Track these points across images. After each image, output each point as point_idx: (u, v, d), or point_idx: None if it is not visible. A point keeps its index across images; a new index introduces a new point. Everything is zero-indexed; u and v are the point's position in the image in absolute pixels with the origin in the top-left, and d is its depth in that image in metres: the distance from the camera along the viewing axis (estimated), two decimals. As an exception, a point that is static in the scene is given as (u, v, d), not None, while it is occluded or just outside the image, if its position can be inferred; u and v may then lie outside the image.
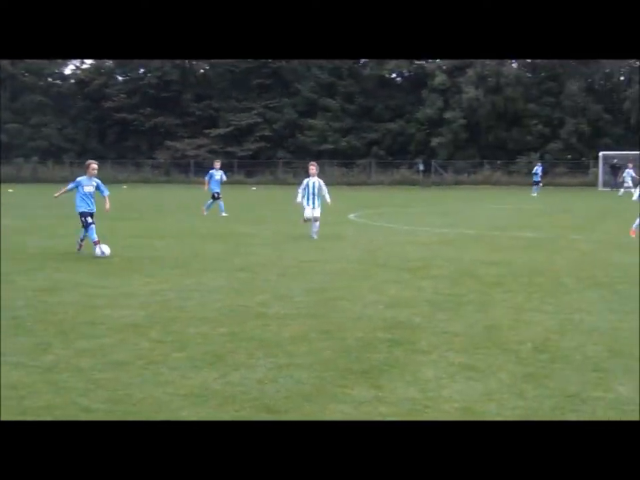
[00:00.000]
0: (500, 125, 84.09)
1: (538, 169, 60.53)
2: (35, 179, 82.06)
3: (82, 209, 18.80)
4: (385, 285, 14.56)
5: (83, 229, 18.86)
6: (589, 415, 7.08)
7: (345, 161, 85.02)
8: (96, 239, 18.41)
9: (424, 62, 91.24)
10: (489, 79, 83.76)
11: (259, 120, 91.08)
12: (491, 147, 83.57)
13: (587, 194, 60.75)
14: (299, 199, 23.58)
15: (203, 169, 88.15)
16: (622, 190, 55.73)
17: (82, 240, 19.23)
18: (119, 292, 13.65)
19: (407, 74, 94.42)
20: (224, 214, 32.97)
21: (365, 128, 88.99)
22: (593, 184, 71.72)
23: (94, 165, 19.29)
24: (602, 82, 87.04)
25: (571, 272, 16.36)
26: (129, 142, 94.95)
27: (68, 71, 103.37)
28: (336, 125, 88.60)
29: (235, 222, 30.06)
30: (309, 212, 23.39)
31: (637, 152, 70.10)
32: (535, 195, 56.40)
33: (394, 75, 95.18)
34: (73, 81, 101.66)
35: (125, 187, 72.97)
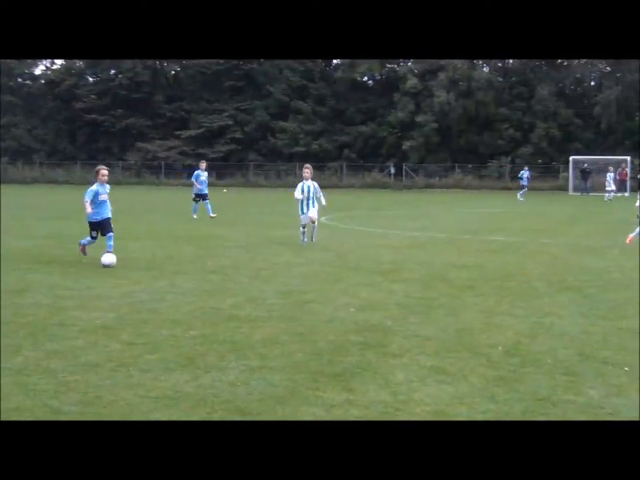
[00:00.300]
0: (471, 129, 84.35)
1: (524, 173, 60.65)
2: (5, 179, 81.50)
3: (93, 219, 17.77)
4: (357, 288, 14.58)
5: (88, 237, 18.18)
6: (560, 419, 7.12)
7: (317, 164, 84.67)
8: (84, 243, 18.28)
9: (395, 65, 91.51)
10: (460, 83, 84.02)
11: (230, 122, 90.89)
12: (462, 151, 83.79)
13: (557, 198, 61.05)
14: (299, 195, 22.68)
15: (174, 170, 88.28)
16: (607, 195, 55.88)
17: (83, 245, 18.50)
18: (90, 294, 13.60)
19: (378, 77, 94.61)
20: (212, 215, 32.82)
21: (336, 131, 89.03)
22: (564, 188, 72.11)
23: (104, 171, 18.00)
24: (573, 87, 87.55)
25: (542, 276, 16.44)
26: (99, 143, 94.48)
27: (38, 71, 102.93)
28: (307, 127, 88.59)
29: (208, 224, 29.98)
30: (305, 218, 22.68)
31: (607, 157, 70.61)
32: (522, 199, 56.30)
33: (366, 78, 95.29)
34: (43, 81, 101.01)
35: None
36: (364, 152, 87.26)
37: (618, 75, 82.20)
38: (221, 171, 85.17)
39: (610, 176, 58.01)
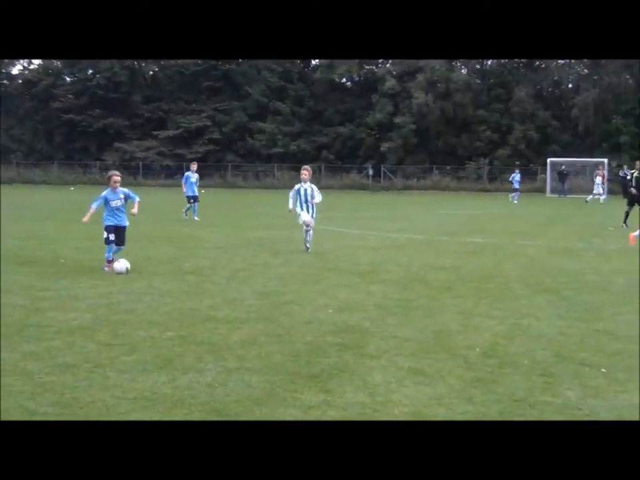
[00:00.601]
0: (449, 131, 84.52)
1: (515, 175, 60.58)
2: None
3: (107, 223, 16.94)
4: (335, 289, 14.58)
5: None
6: (537, 419, 7.15)
7: (295, 165, 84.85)
8: (110, 258, 16.86)
9: (374, 67, 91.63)
10: (439, 85, 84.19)
11: (209, 123, 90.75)
12: (440, 153, 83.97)
13: (535, 200, 61.23)
14: (291, 205, 21.23)
15: (152, 170, 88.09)
16: (601, 196, 55.82)
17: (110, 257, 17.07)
18: (67, 294, 13.55)
19: (357, 78, 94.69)
20: (196, 218, 32.73)
21: (315, 132, 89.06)
22: (541, 190, 72.38)
23: (116, 177, 17.08)
24: (550, 89, 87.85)
25: (519, 277, 16.50)
26: (77, 143, 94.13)
27: (15, 71, 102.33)
28: (286, 128, 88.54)
29: (186, 225, 29.94)
30: (305, 216, 20.91)
31: (585, 159, 70.95)
32: (515, 201, 56.03)
33: (344, 80, 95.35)
34: (20, 81, 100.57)
35: (72, 188, 72.43)
36: (342, 153, 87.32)
37: (595, 77, 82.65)
38: (199, 171, 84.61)
39: (599, 179, 58.07)
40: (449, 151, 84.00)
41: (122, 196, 17.01)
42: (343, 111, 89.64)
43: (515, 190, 59.18)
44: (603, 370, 8.97)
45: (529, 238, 26.40)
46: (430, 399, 7.72)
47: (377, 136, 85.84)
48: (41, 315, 11.68)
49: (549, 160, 71.71)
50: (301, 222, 21.06)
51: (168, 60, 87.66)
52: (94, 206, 16.74)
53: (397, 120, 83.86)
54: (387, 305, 12.98)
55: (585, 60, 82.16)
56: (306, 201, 21.07)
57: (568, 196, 66.19)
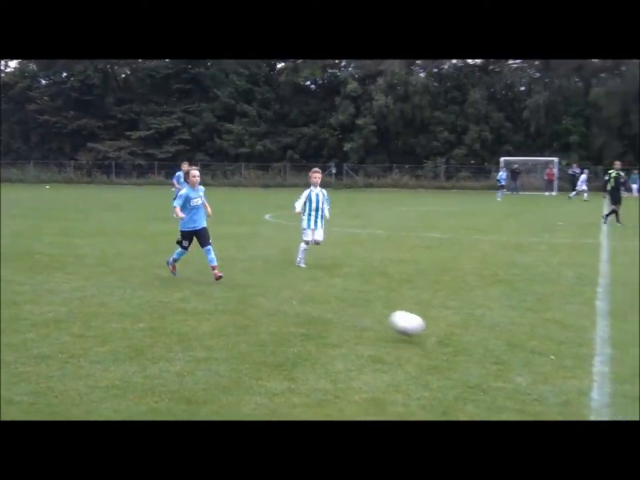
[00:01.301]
0: (408, 132, 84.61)
1: (502, 174, 60.80)
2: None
3: (186, 228, 15.05)
4: (299, 283, 14.60)
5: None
6: (489, 404, 7.21)
7: (261, 164, 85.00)
8: (175, 261, 15.32)
9: (337, 70, 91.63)
10: (398, 87, 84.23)
11: (179, 123, 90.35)
12: (400, 152, 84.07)
13: (489, 197, 61.47)
14: (299, 208, 17.26)
15: (124, 170, 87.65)
16: (583, 194, 55.93)
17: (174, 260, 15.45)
18: (42, 288, 13.48)
19: (320, 81, 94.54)
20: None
21: (280, 132, 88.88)
22: (495, 188, 72.63)
23: (195, 172, 15.24)
24: (504, 92, 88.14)
25: (474, 270, 16.58)
26: (52, 143, 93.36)
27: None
28: (252, 129, 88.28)
29: (157, 221, 29.80)
30: (309, 235, 17.23)
31: (536, 158, 71.39)
32: (499, 199, 55.82)
33: (308, 82, 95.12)
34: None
35: (47, 187, 71.99)
36: (307, 153, 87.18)
37: (546, 80, 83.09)
38: (170, 170, 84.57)
39: (583, 177, 58.23)
40: (407, 151, 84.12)
41: (201, 194, 15.27)
42: (307, 113, 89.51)
43: (501, 187, 59.29)
44: (552, 357, 9.06)
45: (483, 233, 26.51)
46: (388, 386, 7.76)
47: (340, 136, 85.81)
48: (18, 308, 11.61)
49: (501, 159, 71.97)
50: (308, 240, 17.27)
51: (154, 59, 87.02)
52: (177, 204, 14.89)
53: (359, 121, 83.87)
54: (348, 297, 13.01)
55: (537, 63, 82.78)
56: (317, 209, 17.33)
57: (520, 193, 66.48)
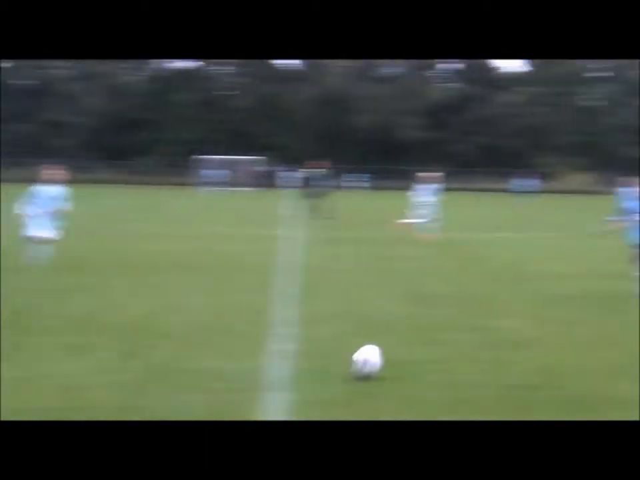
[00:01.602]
0: (120, 130, 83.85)
1: (209, 172, 61.24)
2: None
3: None
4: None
5: None
6: (176, 384, 7.54)
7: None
8: None
9: (53, 69, 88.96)
10: (113, 87, 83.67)
11: None
12: (111, 150, 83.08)
13: (187, 194, 61.36)
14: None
15: None
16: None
17: None
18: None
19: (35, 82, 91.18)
20: None
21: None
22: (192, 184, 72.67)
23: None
24: (214, 93, 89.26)
25: (174, 259, 17.09)
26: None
27: None
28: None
29: None
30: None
31: (240, 157, 72.97)
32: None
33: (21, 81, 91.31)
34: None
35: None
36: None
37: (252, 85, 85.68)
38: None
39: (285, 175, 59.40)
40: (117, 149, 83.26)
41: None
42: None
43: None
44: (237, 338, 9.65)
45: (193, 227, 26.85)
46: (82, 370, 8.01)
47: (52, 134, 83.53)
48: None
49: (200, 157, 72.54)
50: None
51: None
52: None
53: (72, 119, 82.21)
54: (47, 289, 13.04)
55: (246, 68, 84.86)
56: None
57: (216, 189, 66.84)
